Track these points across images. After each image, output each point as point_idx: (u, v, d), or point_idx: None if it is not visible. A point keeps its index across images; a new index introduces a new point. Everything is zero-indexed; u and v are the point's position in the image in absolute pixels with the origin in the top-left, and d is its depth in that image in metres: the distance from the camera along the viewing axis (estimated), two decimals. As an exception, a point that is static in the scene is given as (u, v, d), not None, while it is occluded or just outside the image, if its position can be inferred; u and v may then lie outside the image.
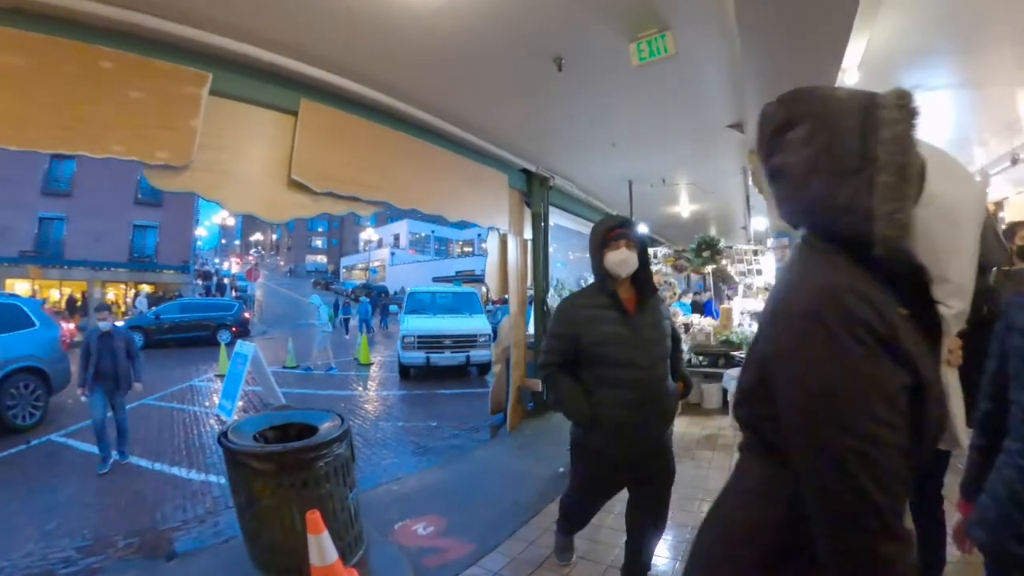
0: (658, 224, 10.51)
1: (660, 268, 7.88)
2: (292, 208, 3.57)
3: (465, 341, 10.24)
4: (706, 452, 4.84)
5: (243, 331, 17.66)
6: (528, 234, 6.42)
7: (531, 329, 6.57)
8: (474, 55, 3.77)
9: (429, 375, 10.16)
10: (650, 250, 8.20)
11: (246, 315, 18.83)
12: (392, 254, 46.92)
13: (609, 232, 2.34)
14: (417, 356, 10.01)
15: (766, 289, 7.72)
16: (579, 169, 6.85)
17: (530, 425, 6.02)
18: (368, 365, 12.18)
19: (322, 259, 65.96)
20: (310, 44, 3.40)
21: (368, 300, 20.96)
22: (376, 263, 47.73)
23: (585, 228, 8.99)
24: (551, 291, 6.55)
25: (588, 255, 2.48)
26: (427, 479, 4.58)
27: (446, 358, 10.05)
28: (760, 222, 8.24)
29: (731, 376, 5.79)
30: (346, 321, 20.41)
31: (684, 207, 8.66)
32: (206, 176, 3.12)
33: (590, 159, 6.37)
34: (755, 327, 7.23)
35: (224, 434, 2.76)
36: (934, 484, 2.26)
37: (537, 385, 6.17)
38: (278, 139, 3.50)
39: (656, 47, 3.64)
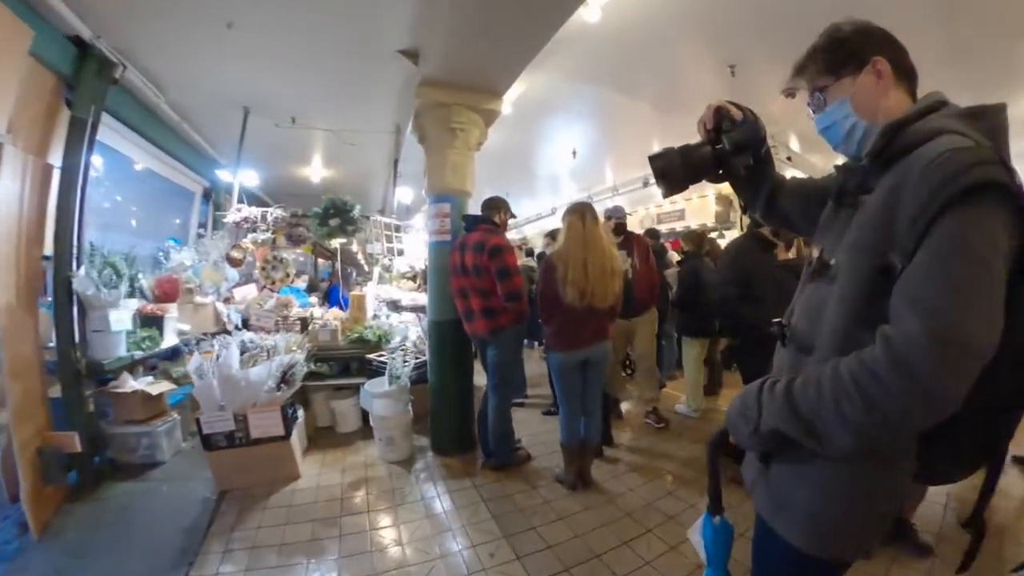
0: (279, 188, 8.21)
1: (269, 238, 5.77)
2: None
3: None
4: (355, 518, 3.21)
5: None
6: (58, 158, 3.47)
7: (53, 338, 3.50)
8: None
9: None
10: (258, 210, 6.03)
11: None
12: None
13: None
14: None
15: (410, 277, 6.68)
16: (174, 64, 4.19)
17: (76, 516, 3.17)
18: None
19: None
20: None
21: None
22: None
23: (168, 171, 6.01)
24: (83, 267, 3.59)
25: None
26: None
27: None
28: (406, 193, 7.08)
29: (373, 391, 4.16)
30: None
31: (316, 170, 6.78)
32: None
33: (193, 47, 3.90)
34: (397, 320, 6.14)
35: None
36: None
37: (73, 441, 3.30)
38: None
39: None
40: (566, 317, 3.28)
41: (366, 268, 6.88)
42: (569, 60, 4.04)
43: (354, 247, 6.73)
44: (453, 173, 4.16)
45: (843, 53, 1.10)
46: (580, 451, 3.48)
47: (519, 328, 3.70)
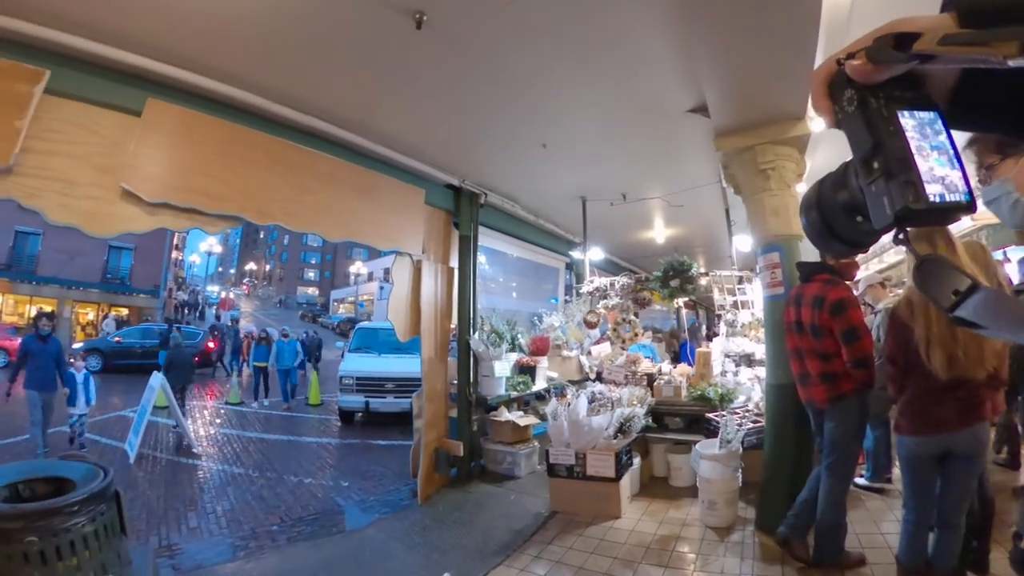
0: (628, 252, 9.21)
1: (618, 302, 6.50)
2: (120, 221, 3.08)
3: (410, 385, 8.98)
4: (651, 569, 3.37)
5: (206, 362, 16.33)
6: (455, 261, 5.30)
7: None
8: (334, 33, 3.05)
9: (372, 422, 9.16)
10: (606, 279, 7.02)
11: (210, 345, 17.35)
12: (381, 288, 45.19)
13: None
14: (355, 400, 9.06)
15: (759, 324, 6.22)
16: (518, 183, 5.70)
17: (448, 497, 4.79)
18: (317, 406, 11.26)
19: (314, 291, 65.68)
20: (157, 38, 2.98)
21: (296, 338, 13.23)
22: (364, 297, 46.18)
23: (535, 255, 7.86)
24: (477, 332, 5.30)
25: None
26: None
27: (388, 404, 8.88)
28: (744, 241, 6.74)
29: (702, 452, 4.02)
30: (260, 372, 11.93)
31: (659, 231, 7.35)
32: (28, 182, 2.75)
33: (526, 169, 5.23)
34: (742, 376, 5.80)
35: None
36: None
37: (458, 448, 4.91)
38: (119, 143, 3.05)
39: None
40: (921, 387, 2.44)
41: (728, 318, 6.77)
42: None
43: (715, 294, 6.73)
44: (775, 217, 3.75)
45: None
46: (922, 574, 2.52)
47: (864, 397, 2.99)
